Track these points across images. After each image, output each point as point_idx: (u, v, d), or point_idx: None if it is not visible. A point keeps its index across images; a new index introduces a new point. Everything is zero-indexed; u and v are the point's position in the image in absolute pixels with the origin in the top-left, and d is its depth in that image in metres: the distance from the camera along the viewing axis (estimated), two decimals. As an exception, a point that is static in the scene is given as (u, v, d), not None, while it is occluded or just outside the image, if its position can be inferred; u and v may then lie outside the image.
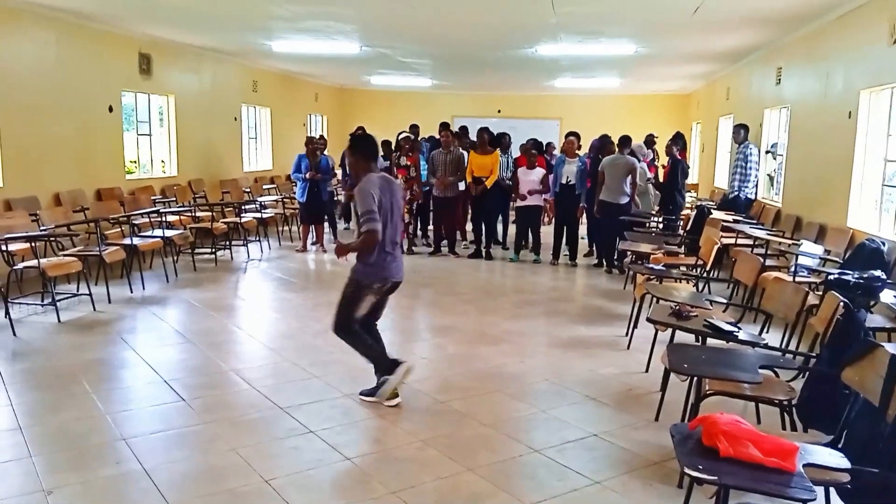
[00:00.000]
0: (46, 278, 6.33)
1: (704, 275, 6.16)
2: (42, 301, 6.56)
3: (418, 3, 7.50)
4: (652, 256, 6.72)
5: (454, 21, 8.54)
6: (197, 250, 9.30)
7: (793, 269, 6.62)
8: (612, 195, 8.88)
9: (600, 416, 4.42)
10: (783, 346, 4.06)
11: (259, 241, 10.48)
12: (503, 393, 4.77)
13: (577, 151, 9.48)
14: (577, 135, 9.50)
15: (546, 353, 5.71)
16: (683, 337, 4.67)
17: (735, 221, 8.64)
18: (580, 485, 3.47)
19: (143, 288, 7.57)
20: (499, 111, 18.00)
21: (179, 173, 11.24)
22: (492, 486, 3.43)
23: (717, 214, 9.10)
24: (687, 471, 2.14)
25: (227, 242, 9.86)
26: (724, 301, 4.78)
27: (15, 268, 6.35)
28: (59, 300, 6.45)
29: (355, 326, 4.44)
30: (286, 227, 11.82)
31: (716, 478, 2.12)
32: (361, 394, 4.52)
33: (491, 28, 8.96)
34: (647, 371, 5.20)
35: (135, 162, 10.97)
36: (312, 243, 10.55)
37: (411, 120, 14.03)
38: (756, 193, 9.72)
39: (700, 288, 6.04)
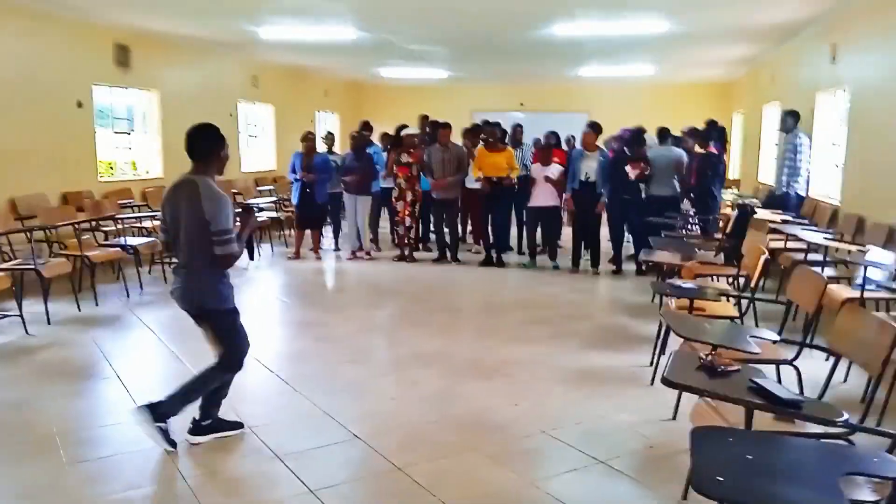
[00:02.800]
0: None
1: (748, 293, 4.93)
2: (-33, 324, 5.67)
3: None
4: (683, 269, 5.50)
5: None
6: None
7: (859, 281, 5.38)
8: (660, 188, 8.33)
9: (610, 491, 3.28)
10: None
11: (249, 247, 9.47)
12: (482, 452, 3.65)
13: (596, 144, 8.30)
14: (595, 125, 8.30)
15: (547, 392, 4.56)
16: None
17: (784, 222, 7.41)
18: None
19: (97, 304, 6.64)
20: (521, 104, 16.79)
21: (166, 175, 10.33)
22: None
23: (762, 214, 7.87)
24: None
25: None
26: (774, 335, 3.58)
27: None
28: (-18, 323, 5.55)
29: None
30: (282, 232, 10.86)
31: None
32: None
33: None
34: (674, 418, 4.04)
35: (111, 166, 10.09)
36: (310, 249, 9.57)
37: (430, 115, 12.95)
38: (807, 189, 8.43)
39: (744, 309, 4.85)
